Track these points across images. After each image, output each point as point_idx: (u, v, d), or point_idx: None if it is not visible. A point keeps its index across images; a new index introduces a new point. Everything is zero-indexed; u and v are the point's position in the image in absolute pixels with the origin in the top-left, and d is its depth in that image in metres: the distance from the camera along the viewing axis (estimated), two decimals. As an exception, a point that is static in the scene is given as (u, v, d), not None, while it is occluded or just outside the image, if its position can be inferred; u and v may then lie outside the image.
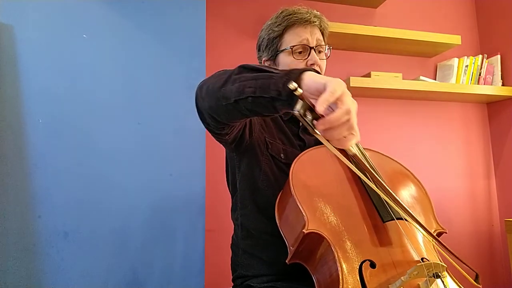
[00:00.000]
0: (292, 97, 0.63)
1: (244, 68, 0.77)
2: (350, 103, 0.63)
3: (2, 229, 1.25)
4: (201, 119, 0.90)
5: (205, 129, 1.52)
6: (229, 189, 1.16)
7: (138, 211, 1.42)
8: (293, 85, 0.61)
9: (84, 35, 1.42)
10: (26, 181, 1.30)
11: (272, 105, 0.69)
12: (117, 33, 1.47)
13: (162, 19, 1.53)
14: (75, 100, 1.39)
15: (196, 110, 0.89)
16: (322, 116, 0.62)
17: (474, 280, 0.78)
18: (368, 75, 2.17)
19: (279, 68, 1.10)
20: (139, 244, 1.40)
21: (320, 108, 0.60)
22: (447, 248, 0.78)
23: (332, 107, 0.62)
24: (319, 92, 0.62)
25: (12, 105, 1.32)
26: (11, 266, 1.25)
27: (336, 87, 0.61)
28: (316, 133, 0.63)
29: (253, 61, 2.08)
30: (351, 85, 2.03)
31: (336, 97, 0.61)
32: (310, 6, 1.12)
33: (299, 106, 0.62)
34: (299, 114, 0.62)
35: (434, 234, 0.85)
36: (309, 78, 0.66)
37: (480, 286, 0.78)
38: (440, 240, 0.80)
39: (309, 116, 0.63)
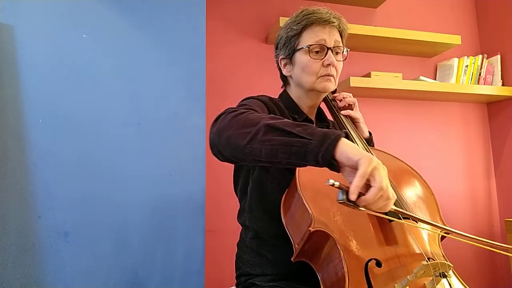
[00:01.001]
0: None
1: (269, 128, 0.75)
2: (382, 177, 0.66)
3: (2, 229, 1.24)
4: (214, 154, 0.88)
5: (205, 129, 1.54)
6: (236, 194, 1.15)
7: (138, 211, 1.41)
8: (331, 181, 0.65)
9: (84, 35, 1.42)
10: (26, 181, 1.29)
11: (305, 165, 0.74)
12: (117, 33, 1.46)
13: (162, 19, 1.52)
14: (75, 100, 1.38)
15: (209, 145, 0.87)
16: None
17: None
18: (368, 75, 2.17)
19: (295, 67, 1.09)
20: (139, 244, 1.40)
21: (352, 196, 0.65)
22: (468, 236, 0.79)
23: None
24: (353, 168, 0.67)
25: (12, 105, 1.31)
26: (11, 266, 1.24)
27: (366, 168, 0.65)
28: (360, 209, 0.68)
29: (254, 61, 2.11)
30: (351, 85, 2.03)
31: (367, 179, 0.65)
32: (310, 6, 1.12)
33: (341, 195, 0.66)
34: (343, 200, 0.66)
35: (440, 235, 0.85)
36: (342, 153, 0.68)
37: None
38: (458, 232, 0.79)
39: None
